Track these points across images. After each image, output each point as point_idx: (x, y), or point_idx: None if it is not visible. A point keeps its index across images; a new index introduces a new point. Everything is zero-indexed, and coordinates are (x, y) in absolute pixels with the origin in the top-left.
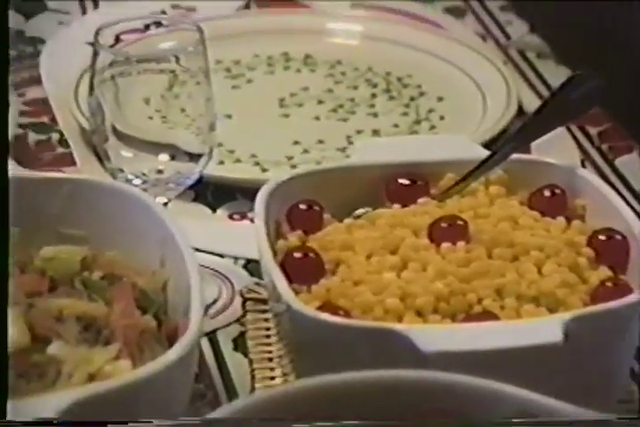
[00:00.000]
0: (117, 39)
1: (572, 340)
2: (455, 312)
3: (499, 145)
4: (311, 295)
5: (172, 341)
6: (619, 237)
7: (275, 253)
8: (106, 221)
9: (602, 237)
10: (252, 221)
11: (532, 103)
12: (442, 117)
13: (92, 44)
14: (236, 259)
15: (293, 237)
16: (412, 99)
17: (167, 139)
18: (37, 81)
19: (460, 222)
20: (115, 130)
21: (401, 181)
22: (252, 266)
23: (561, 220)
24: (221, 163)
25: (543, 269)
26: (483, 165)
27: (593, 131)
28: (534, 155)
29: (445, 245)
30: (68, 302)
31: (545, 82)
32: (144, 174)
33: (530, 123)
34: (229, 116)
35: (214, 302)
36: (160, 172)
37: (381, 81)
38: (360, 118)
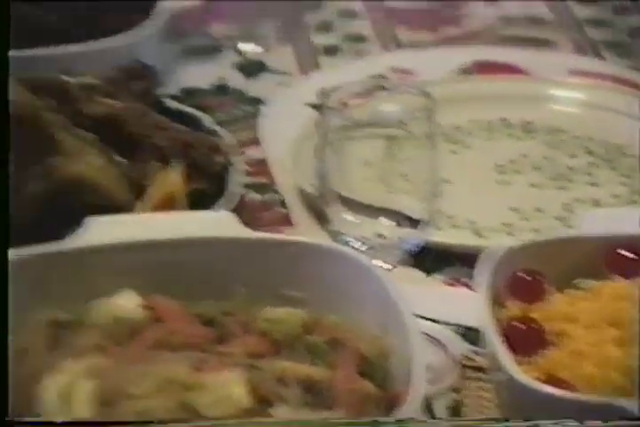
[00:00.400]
0: (341, 103)
1: None
2: None
3: None
4: (531, 366)
5: (389, 408)
6: None
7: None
8: (327, 283)
9: None
10: (467, 286)
11: None
12: None
13: (316, 107)
14: (450, 324)
15: (515, 307)
16: (633, 169)
17: (390, 204)
18: (256, 141)
19: None
20: (338, 193)
21: (623, 252)
22: (468, 333)
23: None
24: (439, 228)
25: None
26: None
27: None
28: None
29: None
30: (292, 365)
31: None
32: (364, 238)
33: None
34: (448, 182)
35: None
36: (380, 236)
37: (601, 150)
38: (578, 187)
